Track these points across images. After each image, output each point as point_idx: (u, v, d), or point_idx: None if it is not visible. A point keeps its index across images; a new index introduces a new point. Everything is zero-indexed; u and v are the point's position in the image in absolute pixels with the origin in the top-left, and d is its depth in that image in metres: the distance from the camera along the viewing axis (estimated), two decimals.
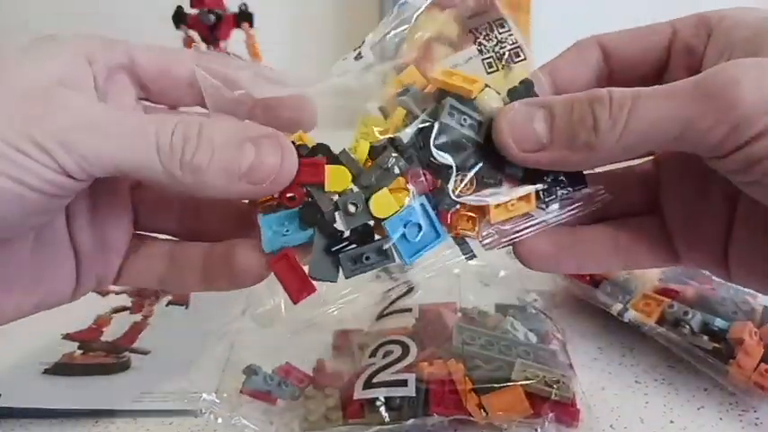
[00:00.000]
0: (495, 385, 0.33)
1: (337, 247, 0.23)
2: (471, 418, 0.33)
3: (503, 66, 0.25)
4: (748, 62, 0.20)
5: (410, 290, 0.43)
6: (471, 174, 0.24)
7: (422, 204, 0.24)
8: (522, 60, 0.25)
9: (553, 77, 0.26)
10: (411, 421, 0.32)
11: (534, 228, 0.25)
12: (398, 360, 0.35)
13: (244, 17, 0.79)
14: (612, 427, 0.35)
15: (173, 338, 0.43)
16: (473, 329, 0.37)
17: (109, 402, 0.37)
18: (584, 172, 0.25)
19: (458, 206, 0.24)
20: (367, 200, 0.23)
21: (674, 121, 0.20)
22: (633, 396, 0.37)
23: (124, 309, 0.47)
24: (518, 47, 0.25)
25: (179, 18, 0.78)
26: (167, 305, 0.48)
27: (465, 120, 0.24)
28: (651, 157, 0.28)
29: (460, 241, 0.25)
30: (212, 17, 0.77)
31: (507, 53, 0.25)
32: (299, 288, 0.23)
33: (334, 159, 0.24)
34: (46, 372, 0.40)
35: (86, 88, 0.23)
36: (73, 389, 0.38)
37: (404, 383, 0.33)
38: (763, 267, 0.24)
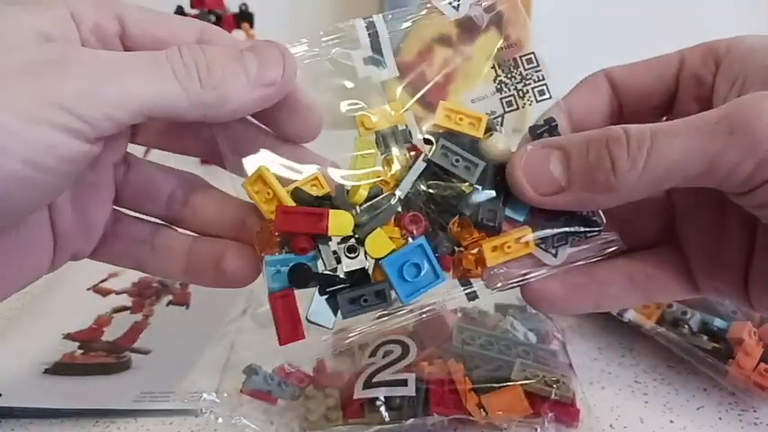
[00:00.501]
0: (495, 385, 0.33)
1: (334, 289, 0.23)
2: (471, 418, 0.33)
3: (524, 104, 0.25)
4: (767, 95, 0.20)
5: None
6: (467, 215, 0.24)
7: (420, 245, 0.23)
8: (546, 99, 0.25)
9: (567, 112, 0.26)
10: (411, 421, 0.32)
11: (543, 272, 0.24)
12: (398, 360, 0.35)
13: (244, 17, 0.80)
14: (612, 426, 0.35)
15: (173, 338, 0.43)
16: (473, 329, 0.37)
17: (109, 402, 0.37)
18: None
19: (460, 247, 0.24)
20: (363, 240, 0.23)
21: (697, 158, 0.20)
22: (633, 396, 0.37)
23: (125, 309, 0.47)
24: (544, 85, 0.25)
25: None
26: (168, 305, 0.48)
27: (458, 161, 0.24)
28: None
29: (464, 282, 0.25)
30: (212, 17, 0.77)
31: (531, 91, 0.25)
32: (289, 332, 0.23)
33: (335, 202, 0.24)
34: (46, 371, 0.40)
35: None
36: (73, 389, 0.38)
37: (404, 383, 0.33)
38: None
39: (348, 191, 0.24)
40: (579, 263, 0.24)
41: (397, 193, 0.24)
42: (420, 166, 0.24)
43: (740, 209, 0.23)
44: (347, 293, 0.23)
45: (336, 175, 0.24)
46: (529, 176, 0.23)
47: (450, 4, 0.25)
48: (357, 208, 0.24)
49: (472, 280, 0.25)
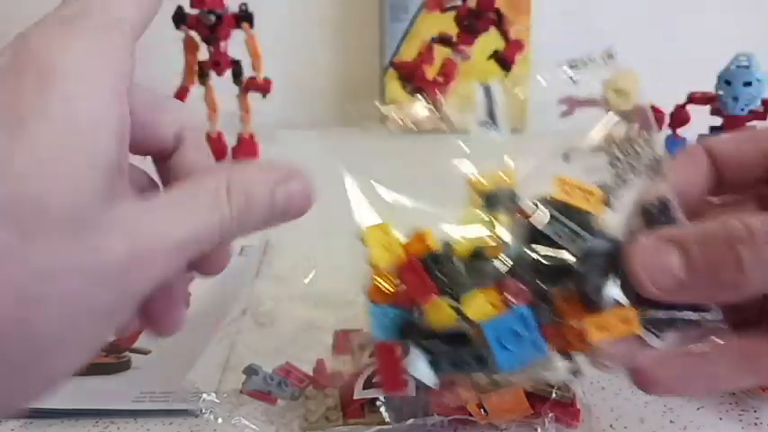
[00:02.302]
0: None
1: (433, 349, 0.23)
2: (471, 418, 0.33)
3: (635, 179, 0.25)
4: None
5: None
6: (572, 287, 0.23)
7: (522, 314, 0.23)
8: (658, 175, 0.24)
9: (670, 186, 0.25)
10: (411, 421, 0.32)
11: (645, 352, 0.24)
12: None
13: (244, 17, 0.79)
14: (612, 426, 0.35)
15: (173, 338, 0.43)
16: None
17: (109, 402, 0.37)
18: None
19: (557, 321, 0.24)
20: (458, 298, 0.23)
21: None
22: (633, 396, 0.37)
23: None
24: (658, 162, 0.24)
25: (179, 18, 0.78)
26: None
27: (564, 231, 0.23)
28: None
29: (566, 355, 0.24)
30: (212, 17, 0.77)
31: (644, 167, 0.24)
32: (393, 382, 0.24)
33: (434, 261, 0.24)
34: None
35: None
36: (73, 388, 0.38)
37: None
38: None
39: (453, 246, 0.24)
40: (683, 345, 0.24)
41: (502, 258, 0.24)
42: (523, 230, 0.24)
43: None
44: (450, 355, 0.23)
45: (444, 230, 0.25)
46: (648, 272, 0.22)
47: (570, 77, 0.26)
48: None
49: (573, 353, 0.24)
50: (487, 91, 0.26)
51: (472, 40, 0.77)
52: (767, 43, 0.66)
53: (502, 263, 0.23)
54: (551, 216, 0.24)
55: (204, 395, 0.35)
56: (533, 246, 0.24)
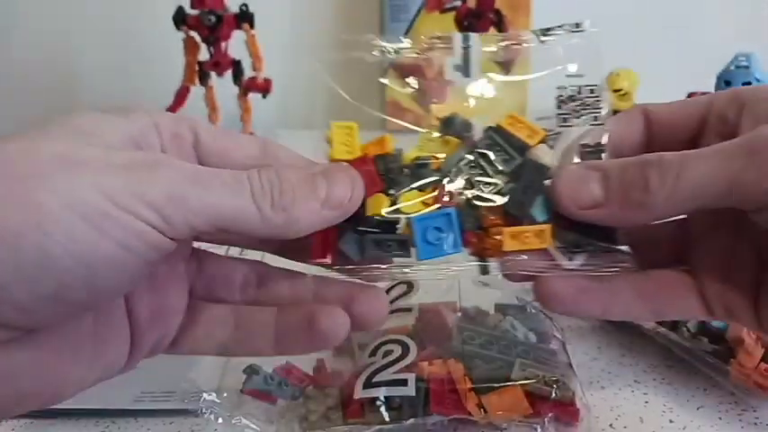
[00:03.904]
0: (495, 385, 0.33)
1: (364, 229, 0.25)
2: (471, 418, 0.33)
3: (577, 124, 0.27)
4: None
5: (410, 289, 0.43)
6: (499, 203, 0.26)
7: (449, 214, 0.25)
8: (598, 125, 0.27)
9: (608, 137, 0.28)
10: (411, 421, 0.33)
11: (554, 271, 0.26)
12: (398, 359, 0.35)
13: (244, 18, 0.80)
14: (612, 426, 0.35)
15: None
16: (473, 329, 0.37)
17: (109, 402, 0.37)
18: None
19: (480, 228, 0.26)
20: (397, 196, 0.26)
21: (721, 178, 0.22)
22: (633, 396, 0.37)
23: None
24: (600, 112, 0.27)
25: (180, 18, 0.78)
26: None
27: (499, 151, 0.27)
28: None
29: (480, 260, 0.26)
30: (213, 18, 0.77)
31: (588, 116, 0.27)
32: (320, 250, 0.25)
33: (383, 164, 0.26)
34: None
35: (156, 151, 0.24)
36: None
37: (404, 383, 0.33)
38: None
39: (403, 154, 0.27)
40: (590, 272, 0.26)
41: (443, 169, 0.26)
42: (466, 149, 0.27)
43: (753, 233, 0.25)
44: (375, 236, 0.25)
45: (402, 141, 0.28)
46: (570, 190, 0.25)
47: (538, 38, 0.29)
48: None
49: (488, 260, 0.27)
50: (465, 38, 0.29)
51: None
52: (767, 43, 0.66)
53: (440, 172, 0.26)
54: (492, 139, 0.27)
55: (204, 395, 0.35)
56: (471, 163, 0.27)
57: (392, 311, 0.41)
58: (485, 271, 0.26)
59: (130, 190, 0.20)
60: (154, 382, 0.38)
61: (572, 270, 0.26)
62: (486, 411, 0.33)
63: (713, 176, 0.22)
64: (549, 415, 0.33)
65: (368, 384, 0.33)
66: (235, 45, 0.82)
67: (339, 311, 0.25)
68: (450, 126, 0.28)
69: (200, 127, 0.25)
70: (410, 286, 0.43)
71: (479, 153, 0.27)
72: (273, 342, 0.26)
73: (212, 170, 0.22)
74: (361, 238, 0.25)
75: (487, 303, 0.42)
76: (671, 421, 0.35)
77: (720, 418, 0.35)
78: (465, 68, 0.29)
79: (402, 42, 0.29)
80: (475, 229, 0.26)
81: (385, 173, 0.26)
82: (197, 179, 0.21)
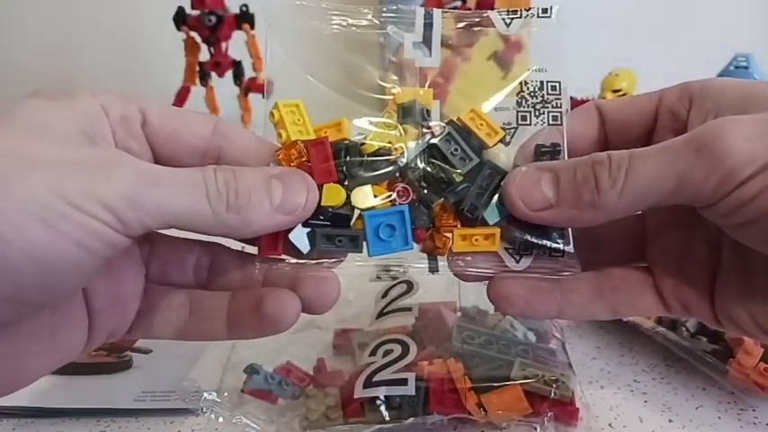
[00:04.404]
0: (495, 384, 0.34)
1: (316, 223, 0.25)
2: (471, 417, 0.33)
3: (536, 123, 0.27)
4: (731, 118, 0.22)
5: (410, 289, 0.43)
6: (452, 202, 0.26)
7: (402, 211, 0.25)
8: (557, 125, 0.27)
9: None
10: (411, 420, 0.33)
11: (502, 271, 0.26)
12: (398, 359, 0.35)
13: (245, 18, 0.80)
14: (611, 425, 0.35)
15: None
16: (472, 328, 0.37)
17: (110, 401, 0.37)
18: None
19: (432, 226, 0.26)
20: (351, 188, 0.26)
21: (669, 176, 0.22)
22: (632, 395, 0.38)
23: None
24: (560, 112, 0.27)
25: (180, 19, 0.78)
26: None
27: (456, 150, 0.26)
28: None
29: (431, 257, 0.27)
30: (213, 18, 0.78)
31: (547, 114, 0.27)
32: (270, 245, 0.25)
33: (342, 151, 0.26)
34: None
35: (107, 142, 0.24)
36: (74, 388, 0.38)
37: (404, 382, 0.33)
38: (747, 311, 0.25)
39: (362, 144, 0.26)
40: (539, 272, 0.26)
41: (399, 162, 0.26)
42: (424, 143, 0.27)
43: (707, 229, 0.26)
44: (326, 230, 0.25)
45: (359, 125, 0.27)
46: (522, 192, 0.25)
47: (503, 19, 0.28)
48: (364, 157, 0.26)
49: (439, 258, 0.27)
50: (428, 15, 0.28)
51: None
52: (767, 43, 0.66)
53: (397, 166, 0.26)
54: (450, 135, 0.27)
55: (205, 394, 0.35)
56: (428, 157, 0.26)
57: (392, 311, 0.42)
58: (433, 270, 0.26)
59: (86, 190, 0.20)
60: (154, 382, 0.38)
61: (518, 272, 0.26)
62: (485, 410, 0.33)
63: (661, 175, 0.22)
64: (549, 414, 0.33)
65: (368, 384, 0.34)
66: (235, 45, 0.82)
67: (287, 295, 0.25)
68: (410, 114, 0.27)
69: (149, 108, 0.25)
70: (410, 286, 0.43)
71: (437, 150, 0.26)
72: (226, 327, 0.26)
73: (167, 170, 0.22)
74: (312, 232, 0.25)
75: (487, 303, 0.42)
76: (670, 421, 0.35)
77: (719, 418, 0.35)
78: (427, 46, 0.28)
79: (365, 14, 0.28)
80: (427, 227, 0.26)
81: (342, 163, 0.26)
82: (151, 179, 0.21)
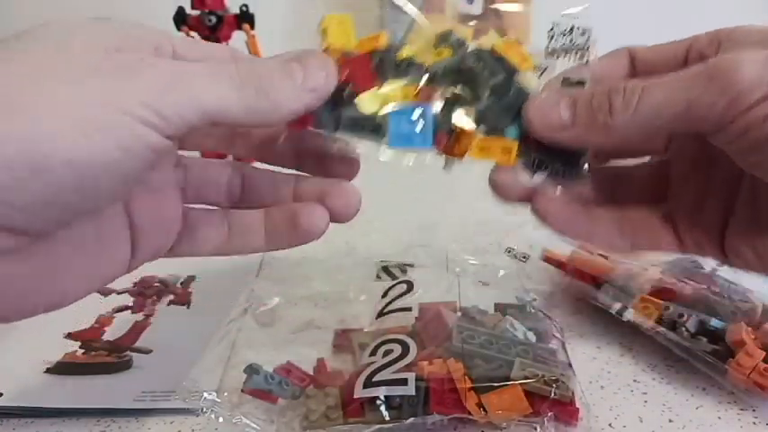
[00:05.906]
0: (495, 384, 0.33)
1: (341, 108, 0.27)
2: (471, 417, 0.33)
3: (564, 61, 0.28)
4: (745, 51, 0.23)
5: (410, 288, 0.43)
6: (476, 114, 0.27)
7: (426, 109, 0.27)
8: (583, 64, 0.28)
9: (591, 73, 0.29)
10: (411, 420, 0.33)
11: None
12: (398, 359, 0.35)
13: (245, 18, 0.80)
14: (611, 425, 0.35)
15: (174, 338, 0.44)
16: (472, 328, 0.37)
17: (110, 401, 0.37)
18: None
19: (453, 132, 0.27)
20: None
21: (679, 100, 0.23)
22: (632, 395, 0.38)
23: (126, 308, 0.48)
24: (587, 51, 0.28)
25: (180, 19, 0.78)
26: (169, 305, 0.48)
27: (485, 66, 0.28)
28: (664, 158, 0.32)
29: (448, 158, 0.28)
30: (213, 18, 0.78)
31: (573, 54, 0.29)
32: (301, 121, 0.26)
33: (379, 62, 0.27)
34: (48, 371, 0.40)
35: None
36: (74, 388, 0.38)
37: (404, 382, 0.33)
38: (753, 248, 0.27)
39: (396, 52, 0.28)
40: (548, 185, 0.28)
41: (430, 70, 0.27)
42: (457, 59, 0.28)
43: (725, 175, 0.28)
44: (351, 114, 0.26)
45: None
46: (541, 112, 0.26)
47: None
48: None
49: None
50: None
51: None
52: None
53: (428, 73, 0.27)
54: (481, 56, 0.28)
55: (205, 394, 0.35)
56: (458, 70, 0.28)
57: (392, 311, 0.42)
58: (447, 169, 0.28)
59: (124, 91, 0.20)
60: (154, 382, 0.39)
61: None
62: (485, 410, 0.33)
63: (673, 98, 0.24)
64: (549, 414, 0.33)
65: (368, 384, 0.34)
66: (235, 45, 0.82)
67: (318, 207, 0.28)
68: (446, 42, 0.28)
69: (176, 39, 0.26)
70: (410, 286, 0.44)
71: (468, 63, 0.28)
72: (264, 240, 0.29)
73: (192, 64, 0.23)
74: (338, 114, 0.26)
75: (487, 303, 0.42)
76: (670, 421, 0.35)
77: (719, 418, 0.35)
78: None
79: None
80: (448, 132, 0.27)
81: (377, 68, 0.27)
82: (180, 74, 0.22)
